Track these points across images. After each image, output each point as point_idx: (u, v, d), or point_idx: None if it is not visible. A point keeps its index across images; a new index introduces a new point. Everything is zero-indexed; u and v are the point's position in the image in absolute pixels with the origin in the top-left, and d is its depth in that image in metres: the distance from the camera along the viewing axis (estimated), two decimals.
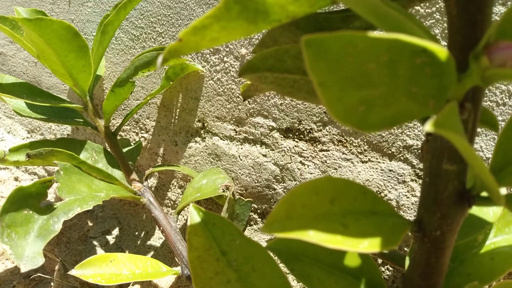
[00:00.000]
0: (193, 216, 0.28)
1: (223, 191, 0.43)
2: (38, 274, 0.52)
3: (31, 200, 0.34)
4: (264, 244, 0.36)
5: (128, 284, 0.50)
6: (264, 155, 0.48)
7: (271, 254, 0.27)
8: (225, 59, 0.48)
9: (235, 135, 0.50)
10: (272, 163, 0.48)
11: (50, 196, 0.59)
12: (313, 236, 0.18)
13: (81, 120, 0.49)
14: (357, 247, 0.18)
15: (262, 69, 0.24)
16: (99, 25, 0.48)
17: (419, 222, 0.23)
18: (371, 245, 0.19)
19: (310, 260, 0.26)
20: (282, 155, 0.47)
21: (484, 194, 0.21)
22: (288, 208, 0.18)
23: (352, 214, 0.21)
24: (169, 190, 0.56)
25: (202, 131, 0.52)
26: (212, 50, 0.49)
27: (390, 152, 0.42)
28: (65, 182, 0.37)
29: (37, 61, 0.66)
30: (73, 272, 0.35)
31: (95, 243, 0.57)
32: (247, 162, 0.50)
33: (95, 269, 0.36)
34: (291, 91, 0.26)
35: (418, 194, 0.42)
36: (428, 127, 0.15)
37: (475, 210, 0.27)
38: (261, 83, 0.25)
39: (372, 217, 0.21)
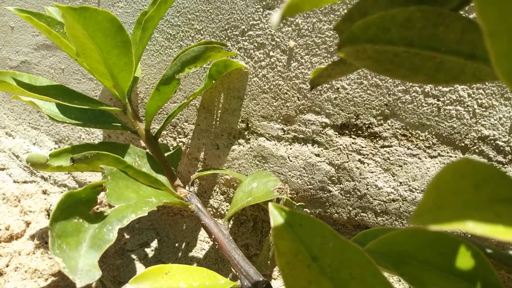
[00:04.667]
0: (275, 217, 0.24)
1: (279, 194, 0.40)
2: None
3: (81, 207, 0.30)
4: None
5: None
6: (317, 155, 0.45)
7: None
8: (271, 53, 0.45)
9: (283, 134, 0.47)
10: (327, 163, 0.44)
11: None
12: (473, 227, 0.15)
13: (119, 124, 0.46)
14: None
15: (363, 39, 0.21)
16: (136, 22, 0.45)
17: None
18: None
19: (420, 263, 0.22)
20: (337, 154, 0.44)
21: None
22: (436, 196, 0.15)
23: (499, 202, 0.17)
24: (211, 197, 0.53)
25: (246, 132, 0.49)
26: (256, 44, 0.45)
27: (463, 144, 0.38)
28: (113, 188, 0.34)
29: (64, 67, 0.63)
30: (128, 287, 0.32)
31: (133, 256, 0.53)
32: (298, 163, 0.46)
33: (150, 282, 0.32)
34: (390, 67, 0.22)
35: None
36: None
37: None
38: (357, 58, 0.22)
39: None
